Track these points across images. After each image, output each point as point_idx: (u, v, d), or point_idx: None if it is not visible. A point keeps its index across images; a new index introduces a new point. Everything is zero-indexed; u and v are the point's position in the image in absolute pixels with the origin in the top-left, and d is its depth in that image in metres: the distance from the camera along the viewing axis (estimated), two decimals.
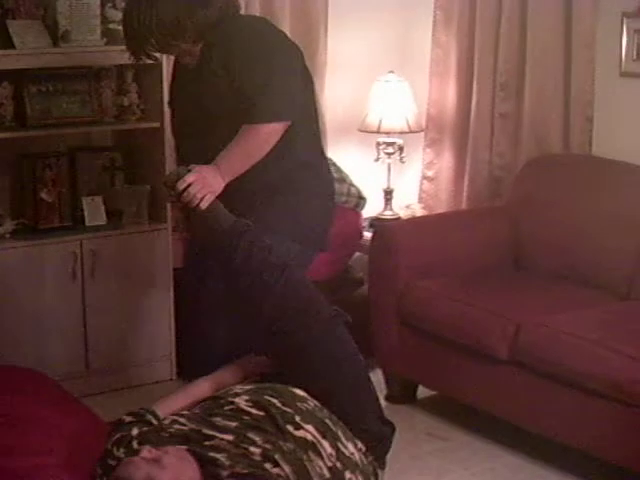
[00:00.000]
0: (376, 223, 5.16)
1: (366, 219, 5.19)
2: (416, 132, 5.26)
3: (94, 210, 4.54)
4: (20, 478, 2.61)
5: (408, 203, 5.38)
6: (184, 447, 2.70)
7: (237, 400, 2.93)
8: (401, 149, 5.25)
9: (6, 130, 4.33)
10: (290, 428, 2.83)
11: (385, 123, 5.13)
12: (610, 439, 3.70)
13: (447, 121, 5.36)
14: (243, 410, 2.88)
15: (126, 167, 4.72)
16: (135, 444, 2.76)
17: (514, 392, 4.00)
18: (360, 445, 2.98)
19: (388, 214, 5.30)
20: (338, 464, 2.84)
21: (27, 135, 4.39)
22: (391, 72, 5.18)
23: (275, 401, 2.92)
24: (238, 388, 3.05)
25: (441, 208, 5.39)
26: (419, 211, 5.33)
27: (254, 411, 2.88)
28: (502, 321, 4.01)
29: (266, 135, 3.39)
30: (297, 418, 2.87)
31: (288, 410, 2.89)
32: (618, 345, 3.70)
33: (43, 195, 4.43)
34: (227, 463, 2.66)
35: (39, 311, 4.38)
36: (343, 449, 2.89)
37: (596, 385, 3.69)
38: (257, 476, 2.65)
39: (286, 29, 4.80)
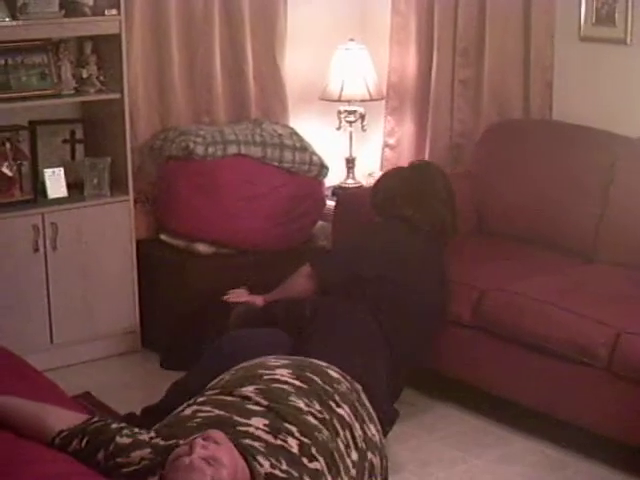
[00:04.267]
0: (339, 191, 5.16)
1: (328, 188, 5.18)
2: (377, 100, 5.25)
3: (55, 183, 4.51)
4: None
5: (370, 171, 5.36)
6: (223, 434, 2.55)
7: (278, 372, 2.94)
8: (362, 117, 5.25)
9: None
10: (332, 404, 2.87)
11: (346, 91, 5.12)
12: (574, 401, 3.73)
13: (408, 88, 5.34)
14: (285, 382, 2.89)
15: (87, 139, 4.70)
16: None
17: (479, 357, 4.03)
18: (379, 426, 3.06)
19: (350, 182, 5.30)
20: (364, 445, 2.89)
21: None
22: (351, 40, 5.16)
23: (316, 378, 2.95)
24: (273, 360, 3.05)
25: None
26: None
27: (297, 383, 2.90)
28: (466, 288, 4.03)
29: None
30: (337, 397, 2.91)
31: (328, 388, 2.93)
32: (581, 309, 3.72)
33: (4, 169, 4.39)
34: (264, 452, 2.57)
35: (1, 285, 4.33)
36: (367, 430, 2.95)
37: (559, 349, 3.72)
38: None
39: None
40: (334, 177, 5.22)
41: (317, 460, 2.66)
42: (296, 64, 5.19)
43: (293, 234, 4.86)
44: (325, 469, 2.66)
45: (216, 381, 3.05)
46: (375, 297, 3.87)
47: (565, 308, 3.76)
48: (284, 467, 2.55)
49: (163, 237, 4.78)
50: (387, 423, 3.51)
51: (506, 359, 3.94)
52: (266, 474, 2.50)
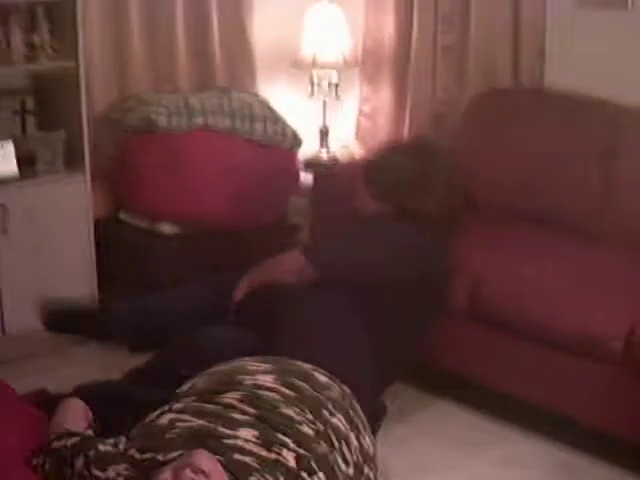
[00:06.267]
0: (314, 162, 4.98)
1: (301, 160, 4.95)
2: (352, 66, 5.01)
3: (4, 158, 4.20)
4: None
5: (345, 142, 5.14)
6: (215, 457, 2.35)
7: (260, 378, 2.66)
8: (336, 85, 5.01)
9: None
10: (326, 414, 2.60)
11: (319, 57, 4.89)
12: (583, 399, 3.48)
13: (385, 53, 5.05)
14: (270, 388, 2.62)
15: (39, 111, 4.41)
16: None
17: (476, 350, 3.75)
18: (371, 435, 2.79)
19: (324, 154, 5.09)
20: (360, 458, 2.63)
21: None
22: None
23: (304, 385, 2.68)
24: (252, 364, 2.77)
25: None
26: (357, 151, 5.06)
27: (284, 390, 2.62)
28: (460, 275, 3.73)
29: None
30: (329, 405, 2.64)
31: (319, 395, 2.66)
32: (591, 297, 3.47)
33: None
34: (258, 469, 2.36)
35: None
36: (363, 441, 2.69)
37: (567, 342, 3.44)
38: None
39: None
40: (307, 148, 4.98)
41: (317, 474, 2.43)
42: (266, 27, 4.94)
43: (265, 212, 4.64)
44: None
45: (188, 386, 2.79)
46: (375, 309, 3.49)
47: (573, 297, 3.48)
48: None
49: (123, 217, 4.56)
50: (373, 419, 3.18)
51: (507, 353, 3.66)
52: None
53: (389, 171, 3.81)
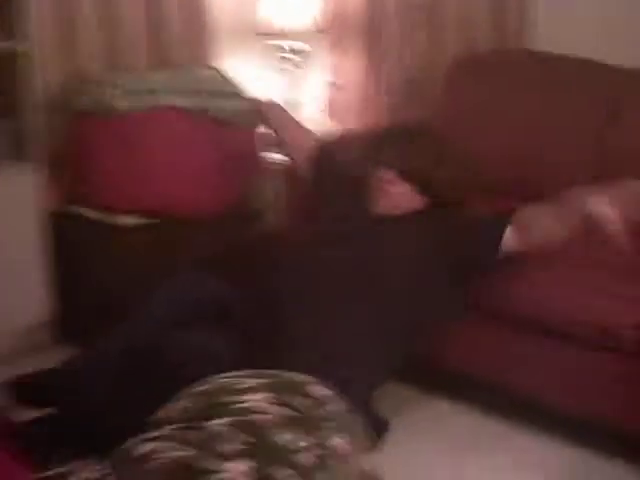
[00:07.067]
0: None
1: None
2: (319, 33, 4.69)
3: None
4: None
5: (314, 117, 4.80)
6: None
7: (248, 398, 2.38)
8: (303, 54, 4.71)
9: None
10: (324, 434, 2.34)
11: (284, 25, 4.59)
12: (601, 396, 3.20)
13: (353, 17, 4.73)
14: (261, 410, 2.34)
15: None
16: None
17: (481, 344, 3.47)
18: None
19: None
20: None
21: None
22: None
23: (298, 401, 2.42)
24: (237, 380, 2.50)
25: (353, 121, 4.80)
26: (329, 126, 4.75)
27: (276, 410, 2.36)
28: None
29: None
30: (328, 424, 2.37)
31: (316, 413, 2.40)
32: (605, 285, 3.18)
33: None
34: None
35: None
36: (365, 463, 2.42)
37: (580, 332, 3.16)
38: None
39: None
40: None
41: None
42: None
43: (227, 196, 4.30)
44: None
45: (167, 410, 2.51)
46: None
47: (586, 285, 3.19)
48: None
49: (77, 209, 4.22)
50: (374, 434, 2.89)
51: (513, 346, 3.37)
52: None
53: (418, 161, 3.53)
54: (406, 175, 3.46)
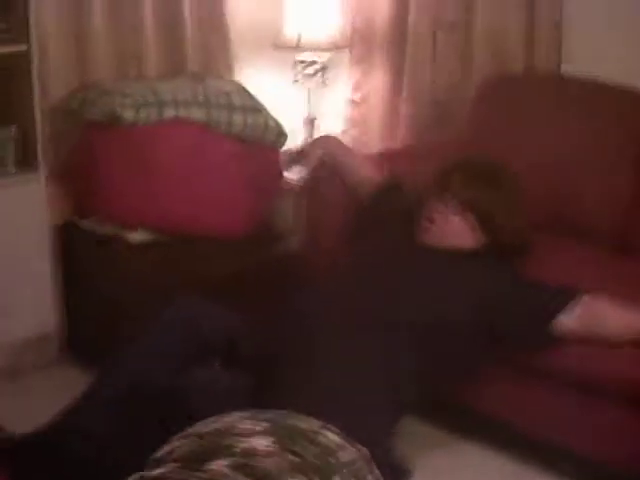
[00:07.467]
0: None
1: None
2: (341, 48, 4.58)
3: None
4: None
5: (333, 134, 4.59)
6: None
7: (256, 442, 2.21)
8: (323, 69, 4.59)
9: None
10: None
11: (304, 38, 4.47)
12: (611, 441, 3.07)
13: (378, 32, 4.64)
14: (269, 453, 2.14)
15: None
16: None
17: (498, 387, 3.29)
18: None
19: None
20: None
21: None
22: None
23: (311, 449, 2.21)
24: (244, 423, 2.33)
25: (374, 140, 4.70)
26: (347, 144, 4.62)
27: (286, 456, 2.15)
28: None
29: None
30: (341, 471, 2.14)
31: (331, 460, 2.19)
32: None
33: None
34: None
35: None
36: None
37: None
38: None
39: None
40: (290, 141, 4.47)
41: None
42: (242, 3, 4.51)
43: (245, 217, 4.19)
44: None
45: (169, 448, 2.33)
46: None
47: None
48: None
49: (84, 223, 4.15)
50: None
51: (552, 400, 3.21)
52: None
53: (487, 199, 3.41)
54: (467, 206, 3.33)
